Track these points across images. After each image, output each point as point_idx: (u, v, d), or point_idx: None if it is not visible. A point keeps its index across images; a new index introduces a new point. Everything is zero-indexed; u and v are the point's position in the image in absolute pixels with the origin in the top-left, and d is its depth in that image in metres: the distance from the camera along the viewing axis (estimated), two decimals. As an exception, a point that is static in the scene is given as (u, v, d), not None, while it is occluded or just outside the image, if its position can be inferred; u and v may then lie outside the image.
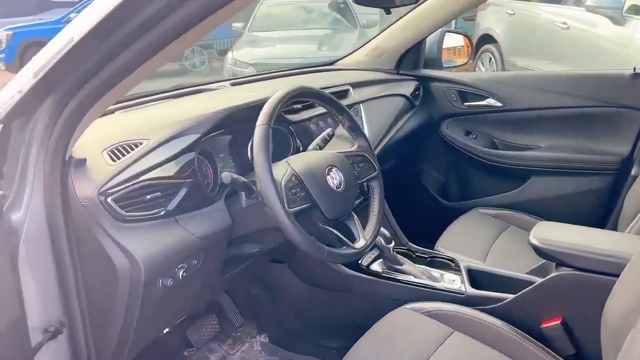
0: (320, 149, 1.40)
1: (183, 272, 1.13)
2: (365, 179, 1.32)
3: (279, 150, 1.45)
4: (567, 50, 5.13)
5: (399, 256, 1.57)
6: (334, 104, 1.30)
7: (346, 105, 1.75)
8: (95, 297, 1.06)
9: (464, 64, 2.60)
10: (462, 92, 2.21)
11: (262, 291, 1.79)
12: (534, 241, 1.31)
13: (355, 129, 1.34)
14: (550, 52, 5.40)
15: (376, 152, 1.87)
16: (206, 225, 1.18)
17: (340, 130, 1.49)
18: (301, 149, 1.49)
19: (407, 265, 1.56)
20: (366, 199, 1.66)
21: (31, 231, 0.96)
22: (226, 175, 1.09)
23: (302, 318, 1.76)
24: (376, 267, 1.59)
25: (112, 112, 1.37)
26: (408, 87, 2.17)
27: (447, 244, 1.78)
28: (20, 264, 0.97)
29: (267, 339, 1.83)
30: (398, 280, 1.53)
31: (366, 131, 1.79)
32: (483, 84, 2.16)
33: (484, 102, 2.18)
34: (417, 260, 1.67)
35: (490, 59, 6.38)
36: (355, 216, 1.25)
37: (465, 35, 2.49)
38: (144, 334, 1.19)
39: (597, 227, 1.46)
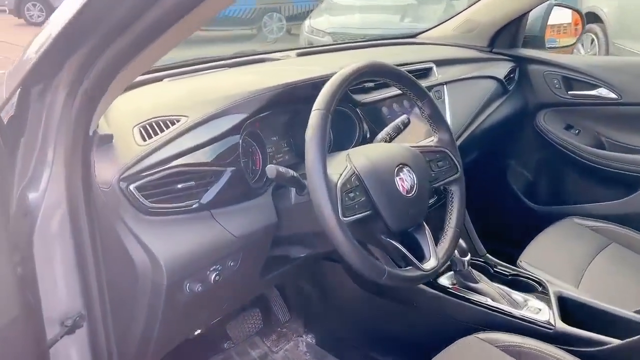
0: (391, 139, 1.17)
1: (216, 275, 0.96)
2: (444, 181, 1.07)
3: (341, 137, 1.24)
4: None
5: (474, 272, 1.32)
6: (413, 85, 1.05)
7: (427, 87, 1.52)
8: (115, 293, 0.91)
9: (570, 45, 2.23)
10: (567, 78, 1.86)
11: (313, 287, 1.61)
12: None
13: (437, 119, 1.09)
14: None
15: (458, 142, 1.61)
16: (247, 222, 1.00)
17: (418, 117, 1.24)
18: (369, 136, 1.26)
19: (483, 283, 1.31)
20: (440, 200, 1.42)
21: (49, 213, 0.83)
22: (271, 169, 0.88)
23: (355, 325, 1.57)
24: (445, 281, 1.35)
25: (160, 79, 1.21)
26: (502, 69, 1.86)
27: (533, 259, 1.50)
28: (36, 249, 0.85)
29: (313, 340, 1.66)
30: (470, 301, 1.28)
31: (448, 119, 1.52)
32: (595, 70, 1.80)
33: (593, 92, 1.83)
34: (495, 277, 1.41)
35: (593, 40, 5.70)
36: (426, 227, 1.02)
37: (577, 11, 2.12)
38: (170, 335, 1.04)
39: None
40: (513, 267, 1.44)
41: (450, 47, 1.95)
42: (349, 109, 1.25)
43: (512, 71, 1.91)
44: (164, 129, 0.93)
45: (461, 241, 1.25)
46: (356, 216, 0.88)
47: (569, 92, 1.87)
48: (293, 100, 1.07)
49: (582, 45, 5.91)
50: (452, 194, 1.09)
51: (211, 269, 0.96)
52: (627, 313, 1.21)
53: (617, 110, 1.80)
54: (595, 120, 1.87)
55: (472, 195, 2.18)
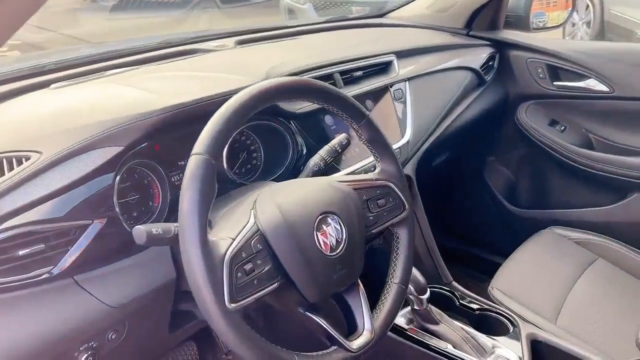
0: (327, 165, 0.94)
1: (89, 355, 0.75)
2: (387, 224, 0.85)
3: (270, 158, 1.01)
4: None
5: (434, 310, 1.12)
6: (344, 104, 0.81)
7: (388, 84, 1.28)
8: None
9: (561, 24, 1.97)
10: (552, 67, 1.63)
11: (257, 314, 1.41)
12: None
13: (378, 145, 0.86)
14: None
15: (426, 145, 1.38)
16: (130, 285, 0.78)
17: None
18: (305, 153, 1.03)
19: (445, 324, 1.11)
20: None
21: None
22: (139, 232, 0.65)
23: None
24: (401, 320, 1.15)
25: (47, 84, 0.96)
26: (479, 56, 1.62)
27: (506, 285, 1.30)
28: None
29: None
30: (429, 347, 1.09)
31: (410, 122, 1.29)
32: (584, 58, 1.56)
33: (581, 84, 1.59)
34: (460, 312, 1.21)
35: (588, 6, 5.40)
36: (360, 288, 0.80)
37: (568, -15, 1.86)
38: None
39: None
40: (481, 299, 1.24)
41: (421, 29, 1.70)
42: (278, 122, 1.01)
43: (491, 58, 1.67)
44: (4, 171, 0.69)
45: (419, 276, 1.05)
46: (256, 295, 0.66)
47: (555, 83, 1.64)
48: (197, 118, 0.83)
49: (577, 11, 5.59)
50: (397, 239, 0.87)
51: (81, 349, 0.74)
52: None
53: (609, 105, 1.58)
54: (583, 115, 1.64)
55: (445, 193, 1.99)
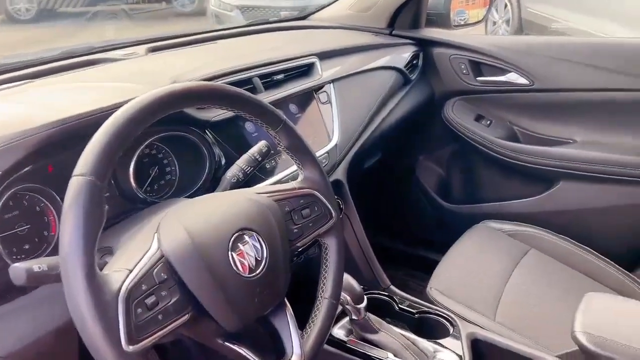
0: (247, 176, 0.87)
1: None
2: (313, 234, 0.79)
3: (185, 172, 0.93)
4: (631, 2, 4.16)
5: (372, 318, 1.08)
6: (258, 109, 0.75)
7: (312, 87, 1.23)
8: None
9: (480, 20, 2.01)
10: (475, 63, 1.64)
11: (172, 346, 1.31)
12: (583, 339, 0.82)
13: (299, 151, 0.80)
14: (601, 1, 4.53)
15: (355, 148, 1.34)
16: (20, 329, 0.68)
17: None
18: (224, 163, 0.96)
19: (385, 333, 1.07)
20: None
21: None
22: (17, 271, 0.56)
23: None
24: (340, 332, 1.10)
25: None
26: (403, 55, 1.60)
27: (444, 284, 1.28)
28: None
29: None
30: (369, 358, 1.04)
31: (337, 125, 1.25)
32: (504, 53, 1.59)
33: (503, 78, 1.62)
34: (400, 317, 1.18)
35: (506, 5, 5.63)
36: (287, 308, 0.74)
37: (483, -17, 1.90)
38: None
39: None
40: (420, 301, 1.21)
41: (343, 30, 1.67)
42: (192, 132, 0.93)
43: (415, 57, 1.66)
44: None
45: (355, 284, 1.00)
46: (161, 332, 0.58)
47: (478, 79, 1.65)
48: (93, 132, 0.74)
49: (497, 10, 5.82)
50: (326, 249, 0.82)
51: None
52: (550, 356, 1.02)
53: (529, 98, 1.61)
54: (506, 109, 1.67)
55: (381, 198, 1.97)
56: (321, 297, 0.79)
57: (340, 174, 1.27)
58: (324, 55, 1.32)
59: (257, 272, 0.67)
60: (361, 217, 1.38)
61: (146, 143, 0.87)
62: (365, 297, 1.02)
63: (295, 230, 0.77)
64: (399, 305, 1.20)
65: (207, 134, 0.96)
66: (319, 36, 1.58)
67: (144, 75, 1.03)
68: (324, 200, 0.81)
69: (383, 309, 1.20)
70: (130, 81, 0.95)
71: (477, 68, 1.65)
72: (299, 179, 0.82)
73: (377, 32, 1.68)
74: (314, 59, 1.27)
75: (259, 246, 0.68)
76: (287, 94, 1.15)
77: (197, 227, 0.64)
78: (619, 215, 1.52)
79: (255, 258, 0.67)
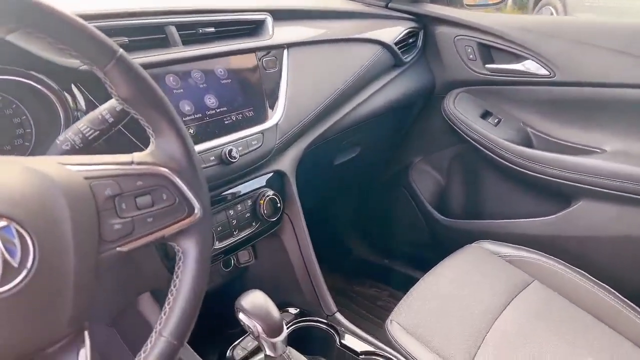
0: (85, 143, 0.61)
1: None
2: (152, 235, 0.52)
3: (40, 126, 0.68)
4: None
5: (294, 355, 0.80)
6: (79, 37, 0.48)
7: (253, 48, 0.96)
8: None
9: (500, 1, 1.70)
10: (484, 46, 1.34)
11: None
12: None
13: (146, 105, 0.53)
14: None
15: (313, 135, 1.07)
16: None
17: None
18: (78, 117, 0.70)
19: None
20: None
21: None
22: None
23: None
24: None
25: None
26: (395, 29, 1.32)
27: (411, 318, 0.98)
28: None
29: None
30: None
31: (283, 99, 0.97)
32: (520, 35, 1.28)
33: (518, 66, 1.31)
34: (341, 355, 0.89)
35: (552, 14, 5.23)
36: (85, 344, 0.47)
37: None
38: None
39: None
40: (370, 338, 0.92)
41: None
42: (41, 83, 0.67)
43: (413, 35, 1.37)
44: None
45: (272, 309, 0.73)
46: None
47: (487, 66, 1.35)
48: None
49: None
50: (179, 260, 0.54)
51: None
52: None
53: (549, 93, 1.29)
54: (520, 105, 1.35)
55: (359, 200, 1.68)
56: (156, 331, 0.52)
57: (285, 164, 0.99)
58: (281, 15, 1.04)
59: (7, 284, 0.41)
60: (321, 219, 1.10)
61: None
62: (285, 328, 0.75)
63: (118, 227, 0.49)
64: (341, 341, 0.92)
65: (72, 90, 0.69)
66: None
67: None
68: (181, 185, 0.54)
69: (321, 344, 0.92)
70: None
71: (487, 53, 1.34)
72: (147, 150, 0.54)
73: (369, 2, 1.40)
74: (265, 16, 1.00)
75: (17, 244, 0.41)
76: (212, 51, 0.88)
77: None
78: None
79: (4, 261, 0.41)
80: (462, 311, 1.01)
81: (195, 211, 0.55)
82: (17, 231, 0.42)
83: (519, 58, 1.29)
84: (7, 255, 0.41)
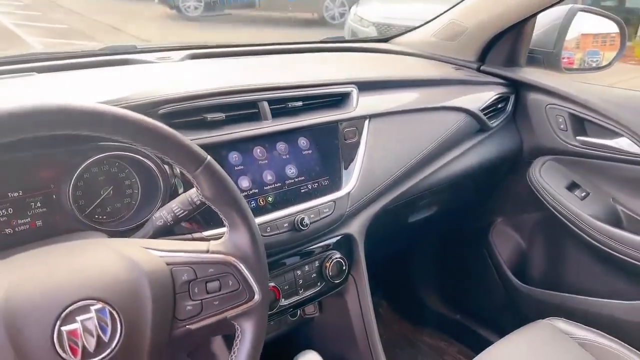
0: (176, 221, 0.72)
1: None
2: (217, 316, 0.61)
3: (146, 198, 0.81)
4: None
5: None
6: (171, 146, 0.59)
7: (336, 121, 1.03)
8: None
9: (607, 65, 1.62)
10: (577, 118, 1.31)
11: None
12: None
13: (225, 204, 0.63)
14: None
15: (385, 200, 1.11)
16: None
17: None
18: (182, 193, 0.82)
19: None
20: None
21: None
22: None
23: None
24: None
25: None
26: (484, 95, 1.33)
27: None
28: None
29: None
30: None
31: (358, 168, 1.03)
32: (617, 111, 1.23)
33: (611, 142, 1.26)
34: None
35: None
36: None
37: (617, 22, 1.52)
38: None
39: None
40: None
41: (419, 59, 1.44)
42: (146, 157, 0.81)
43: (502, 100, 1.38)
44: None
45: None
46: None
47: (578, 138, 1.31)
48: None
49: None
50: (237, 337, 0.63)
51: None
52: None
53: None
54: (610, 181, 1.30)
55: (435, 257, 1.66)
56: None
57: (354, 228, 1.06)
58: (369, 86, 1.11)
59: (99, 357, 0.52)
60: (396, 266, 1.14)
61: (94, 159, 0.77)
62: None
63: (189, 308, 0.59)
64: None
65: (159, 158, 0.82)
66: (378, 62, 1.38)
67: (145, 80, 0.94)
68: (247, 273, 0.63)
69: None
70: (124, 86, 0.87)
71: (580, 125, 1.31)
72: (221, 240, 0.64)
73: (462, 65, 1.43)
74: (351, 89, 1.08)
75: (109, 323, 0.53)
76: (299, 125, 0.97)
77: (22, 287, 0.51)
78: None
79: (98, 339, 0.52)
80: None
81: (256, 297, 0.63)
82: (110, 312, 0.53)
83: (612, 134, 1.25)
84: (100, 332, 0.52)
